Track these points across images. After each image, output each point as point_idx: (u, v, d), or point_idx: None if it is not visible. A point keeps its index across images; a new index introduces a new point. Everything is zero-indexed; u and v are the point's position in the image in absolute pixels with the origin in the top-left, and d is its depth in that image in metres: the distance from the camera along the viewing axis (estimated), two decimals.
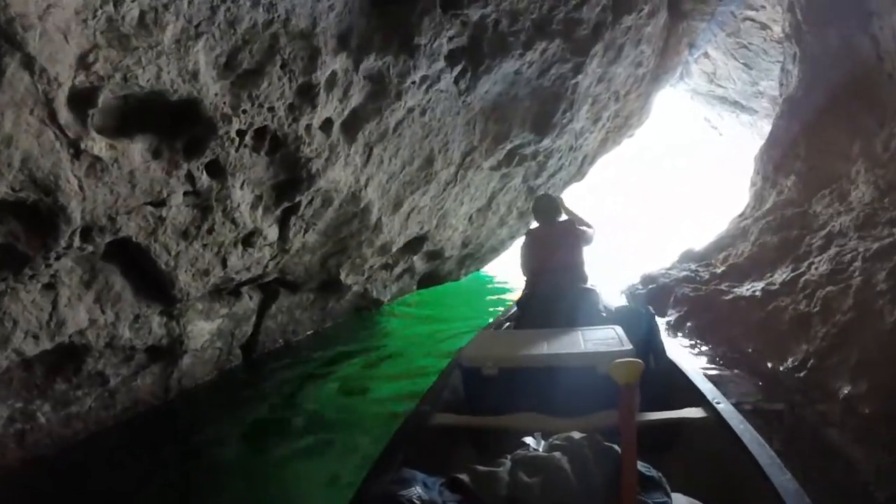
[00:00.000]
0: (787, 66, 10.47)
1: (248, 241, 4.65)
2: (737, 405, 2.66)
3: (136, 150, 3.39)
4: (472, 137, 6.16)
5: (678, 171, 20.15)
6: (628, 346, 2.65)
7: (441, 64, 4.99)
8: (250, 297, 5.84)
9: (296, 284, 6.09)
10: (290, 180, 4.47)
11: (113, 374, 4.42)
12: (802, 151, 8.71)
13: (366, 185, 5.14)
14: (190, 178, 3.82)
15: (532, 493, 1.43)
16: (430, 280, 9.33)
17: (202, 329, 5.21)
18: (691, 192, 19.27)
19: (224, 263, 4.63)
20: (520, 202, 9.32)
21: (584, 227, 4.35)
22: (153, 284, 4.31)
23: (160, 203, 3.77)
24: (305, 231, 5.10)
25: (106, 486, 3.70)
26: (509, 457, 1.62)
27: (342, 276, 6.24)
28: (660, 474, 1.54)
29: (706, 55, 13.16)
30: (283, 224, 4.85)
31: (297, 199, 4.63)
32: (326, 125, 4.43)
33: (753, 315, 5.90)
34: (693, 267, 7.83)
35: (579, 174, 10.97)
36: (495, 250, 10.26)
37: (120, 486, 3.67)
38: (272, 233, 4.78)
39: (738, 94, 13.62)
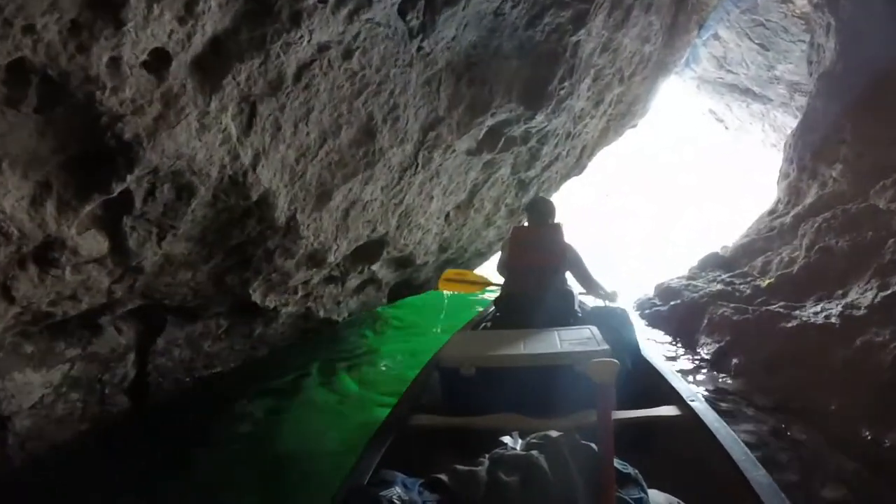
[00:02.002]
0: (817, 40, 8.54)
1: (43, 257, 2.60)
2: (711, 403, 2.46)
3: None
4: (437, 104, 4.08)
5: (683, 164, 18.03)
6: (604, 346, 2.49)
7: None
8: (119, 331, 3.82)
9: (190, 310, 4.04)
10: (91, 155, 2.40)
11: None
12: (848, 136, 6.81)
13: (254, 166, 3.06)
14: None
15: (511, 491, 1.37)
16: (403, 290, 7.26)
17: (29, 382, 3.30)
18: (696, 182, 17.25)
19: (8, 295, 2.60)
20: (509, 198, 7.21)
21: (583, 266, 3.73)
22: None
23: None
24: (160, 238, 3.04)
25: None
26: (487, 456, 1.53)
27: (256, 298, 4.17)
28: (636, 471, 1.48)
29: (716, 37, 11.17)
30: (112, 229, 2.79)
31: (120, 188, 2.57)
32: (157, 61, 2.36)
33: (832, 353, 3.84)
34: (725, 277, 5.72)
35: (578, 167, 8.89)
36: (482, 254, 8.14)
37: None
38: (91, 243, 2.71)
39: (752, 79, 11.56)
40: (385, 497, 1.39)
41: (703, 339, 4.75)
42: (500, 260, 3.95)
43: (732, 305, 4.74)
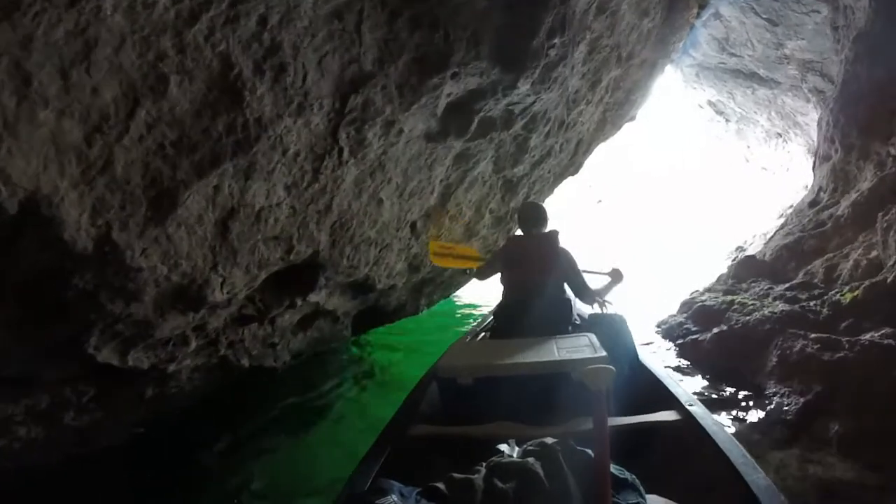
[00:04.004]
0: (843, 1, 6.95)
1: None
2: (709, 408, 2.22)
3: None
4: (358, 52, 2.49)
5: (679, 161, 16.40)
6: (601, 353, 2.35)
7: None
8: None
9: (13, 380, 2.49)
10: None
11: None
12: None
13: None
14: None
15: (507, 498, 1.30)
16: (372, 320, 5.69)
17: None
18: (695, 178, 15.64)
19: None
20: (493, 202, 5.63)
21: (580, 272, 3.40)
22: None
23: None
24: None
25: None
26: (484, 464, 1.44)
27: (106, 358, 2.59)
28: (633, 476, 1.42)
29: (717, 15, 9.64)
30: None
31: None
32: None
33: None
34: (783, 291, 4.10)
35: (573, 165, 7.30)
36: (466, 272, 6.54)
37: None
38: None
39: (758, 62, 10.04)
40: None
41: (771, 387, 3.11)
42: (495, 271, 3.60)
43: (814, 336, 3.11)
